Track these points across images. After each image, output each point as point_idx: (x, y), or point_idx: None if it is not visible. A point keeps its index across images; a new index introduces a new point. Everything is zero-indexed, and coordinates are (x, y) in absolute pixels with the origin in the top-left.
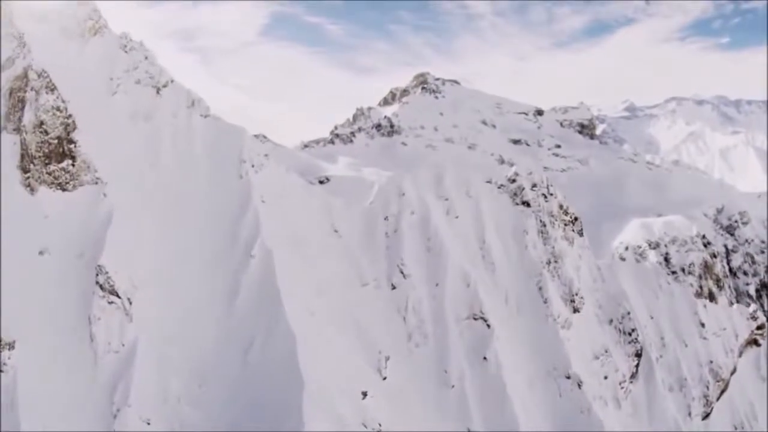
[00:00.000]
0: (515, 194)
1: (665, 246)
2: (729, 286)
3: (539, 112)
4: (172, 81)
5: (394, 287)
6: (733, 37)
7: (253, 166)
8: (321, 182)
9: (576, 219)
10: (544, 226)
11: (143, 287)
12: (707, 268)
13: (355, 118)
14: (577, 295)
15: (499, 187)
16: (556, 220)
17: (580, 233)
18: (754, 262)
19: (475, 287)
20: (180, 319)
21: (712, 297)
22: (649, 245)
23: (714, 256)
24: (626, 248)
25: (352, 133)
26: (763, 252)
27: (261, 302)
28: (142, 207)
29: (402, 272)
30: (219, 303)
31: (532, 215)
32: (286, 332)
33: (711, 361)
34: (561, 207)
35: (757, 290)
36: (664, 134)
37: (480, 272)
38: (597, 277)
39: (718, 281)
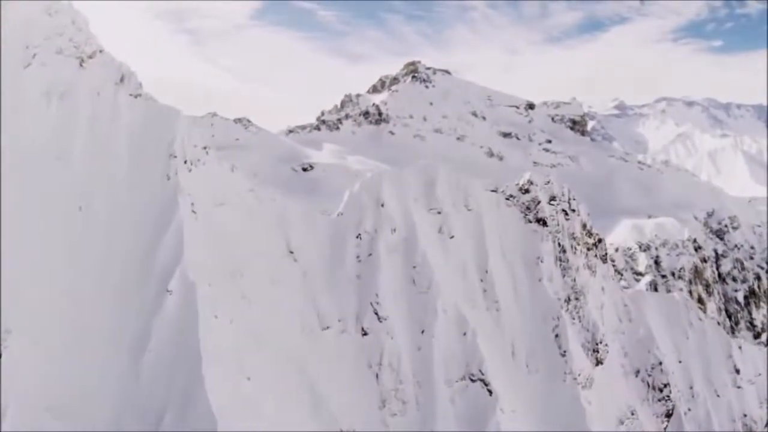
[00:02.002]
0: (528, 209)
1: (656, 249)
2: (718, 292)
3: (530, 106)
4: (101, 51)
5: (365, 333)
6: (725, 40)
7: (186, 162)
8: (304, 169)
9: (600, 241)
10: (564, 251)
11: (18, 333)
12: (697, 272)
13: (342, 104)
14: (601, 343)
15: (507, 198)
16: (579, 244)
17: (604, 258)
18: (743, 269)
19: (473, 336)
20: (67, 382)
21: (701, 302)
22: (640, 247)
23: (704, 260)
24: (616, 249)
25: (339, 120)
26: (752, 258)
27: (177, 360)
28: (37, 215)
29: (377, 313)
30: (121, 360)
31: (549, 237)
32: (206, 409)
33: (744, 415)
34: (584, 227)
35: (745, 297)
36: (653, 134)
37: (480, 315)
38: (623, 315)
39: (707, 287)
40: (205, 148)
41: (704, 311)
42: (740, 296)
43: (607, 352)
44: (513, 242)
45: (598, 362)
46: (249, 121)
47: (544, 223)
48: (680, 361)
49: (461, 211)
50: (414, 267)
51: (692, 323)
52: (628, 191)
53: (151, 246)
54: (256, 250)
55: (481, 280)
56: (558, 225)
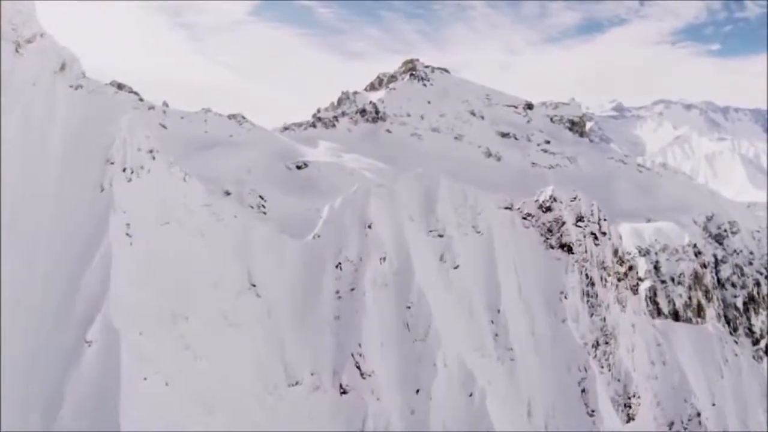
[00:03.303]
0: (550, 231)
1: (656, 254)
2: (717, 298)
3: (529, 106)
4: (41, 35)
5: (344, 391)
6: (724, 44)
7: (125, 170)
8: (298, 167)
9: (631, 268)
10: (592, 284)
11: None
12: (697, 278)
13: (339, 102)
14: (634, 396)
15: (524, 218)
16: (609, 275)
17: (635, 289)
18: (743, 274)
19: (481, 398)
20: None
21: (700, 308)
22: (639, 252)
23: (704, 266)
24: (615, 251)
25: (335, 118)
26: (751, 263)
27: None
28: None
29: (359, 367)
30: (31, 425)
31: (575, 267)
32: None
33: None
34: (616, 253)
35: (744, 303)
36: (650, 136)
37: (490, 366)
38: (656, 357)
39: (707, 292)
40: (151, 151)
41: (704, 318)
42: (739, 302)
43: (639, 404)
44: (531, 273)
45: (630, 418)
46: (243, 117)
47: (570, 250)
48: (714, 404)
49: (468, 234)
50: (408, 307)
51: (727, 359)
52: (627, 194)
53: (74, 279)
54: (208, 283)
55: (492, 322)
56: (586, 252)
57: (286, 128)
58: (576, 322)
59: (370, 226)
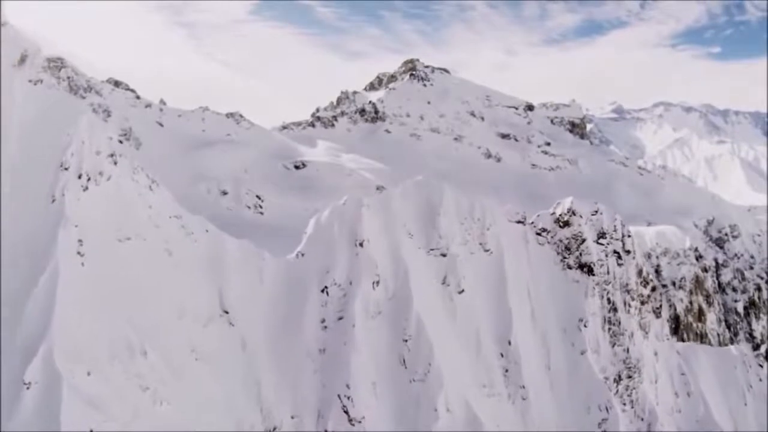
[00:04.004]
0: (567, 249)
1: (657, 258)
2: (718, 302)
3: (530, 107)
4: (3, 24)
5: None
6: (724, 47)
7: (81, 177)
8: (296, 167)
9: (654, 289)
10: (614, 310)
11: None
12: (698, 282)
13: (338, 101)
14: None
15: (539, 234)
16: (633, 298)
17: (658, 312)
18: (743, 279)
19: None
20: None
21: (701, 313)
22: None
23: (705, 270)
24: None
25: (334, 117)
26: (752, 268)
27: None
28: None
29: (347, 411)
30: None
31: (596, 291)
32: None
33: None
34: (640, 273)
35: (745, 308)
36: (650, 138)
37: (500, 408)
38: (679, 388)
39: (707, 297)
40: (112, 155)
41: (704, 322)
42: (740, 307)
43: None
44: (546, 298)
45: None
46: (241, 116)
47: (590, 271)
48: None
49: (475, 253)
50: (405, 340)
51: (751, 385)
52: (628, 197)
53: (18, 306)
54: (172, 309)
55: (502, 355)
56: (608, 273)
57: (284, 127)
58: (596, 354)
59: (361, 244)
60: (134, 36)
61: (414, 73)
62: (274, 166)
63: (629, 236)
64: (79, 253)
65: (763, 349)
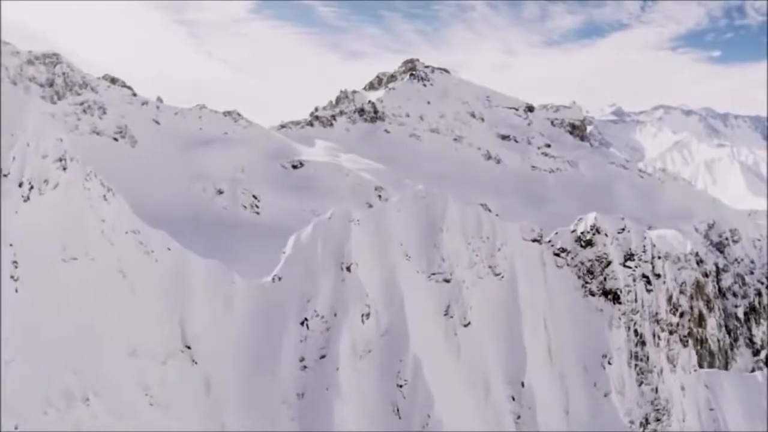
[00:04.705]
0: (590, 273)
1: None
2: (718, 307)
3: (530, 109)
4: None
5: None
6: (724, 51)
7: (22, 185)
8: (294, 167)
9: (683, 315)
10: (643, 344)
11: None
12: (699, 287)
13: (338, 100)
14: None
15: (557, 254)
16: (663, 329)
17: (685, 340)
18: (744, 284)
19: None
20: None
21: (702, 318)
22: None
23: (706, 275)
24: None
25: (333, 117)
26: (752, 272)
27: None
28: None
29: None
30: None
31: (622, 322)
32: None
33: None
34: (670, 300)
35: (745, 313)
36: (650, 141)
37: None
38: (707, 423)
39: (708, 302)
40: (61, 160)
41: (705, 327)
42: (740, 312)
43: None
44: (566, 330)
45: None
46: (239, 114)
47: (616, 299)
48: None
49: (484, 278)
50: (400, 385)
51: None
52: (628, 199)
53: None
54: (123, 344)
55: (514, 399)
56: (635, 301)
57: (282, 126)
58: (621, 395)
59: (349, 268)
60: (134, 34)
61: (414, 73)
62: (271, 166)
63: (659, 258)
64: (13, 277)
65: (763, 354)
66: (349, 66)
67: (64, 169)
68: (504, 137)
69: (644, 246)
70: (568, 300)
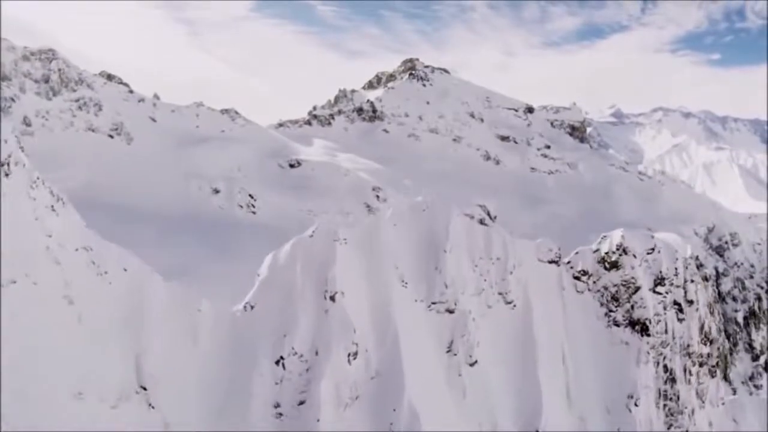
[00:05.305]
0: (615, 300)
1: None
2: (717, 312)
3: (530, 110)
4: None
5: None
6: (724, 54)
7: None
8: (291, 166)
9: (712, 342)
10: (673, 381)
11: None
12: None
13: (336, 99)
14: None
15: (577, 278)
16: (695, 363)
17: (713, 370)
18: (744, 288)
19: None
20: None
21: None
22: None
23: (706, 279)
24: None
25: (331, 116)
26: (752, 277)
27: None
28: None
29: None
30: None
31: (651, 356)
32: None
33: None
34: (702, 328)
35: (745, 318)
36: (649, 143)
37: None
38: None
39: (707, 306)
40: (3, 165)
41: None
42: (740, 317)
43: None
44: (587, 367)
45: None
46: (237, 112)
47: (644, 330)
48: None
49: (493, 306)
50: None
51: None
52: (627, 202)
53: None
54: (69, 383)
55: None
56: (666, 332)
57: (280, 125)
58: None
59: (333, 297)
60: (134, 31)
61: (413, 72)
62: (268, 165)
63: (692, 281)
64: None
65: (762, 359)
66: (349, 65)
67: (6, 175)
68: (503, 138)
69: (676, 268)
70: (589, 331)
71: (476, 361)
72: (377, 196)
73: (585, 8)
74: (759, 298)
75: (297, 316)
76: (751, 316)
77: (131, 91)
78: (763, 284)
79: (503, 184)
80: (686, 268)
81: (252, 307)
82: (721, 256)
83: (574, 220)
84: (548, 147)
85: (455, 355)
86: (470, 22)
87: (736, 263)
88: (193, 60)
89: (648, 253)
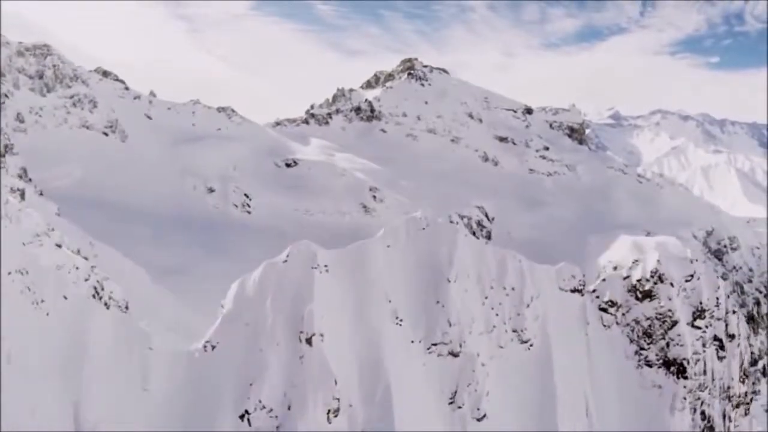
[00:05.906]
0: (648, 336)
1: None
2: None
3: (528, 111)
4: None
5: None
6: (723, 57)
7: None
8: (288, 165)
9: (748, 376)
10: (711, 429)
11: None
12: None
13: (334, 98)
14: None
15: (603, 310)
16: (734, 406)
17: (747, 408)
18: (743, 292)
19: None
20: None
21: None
22: None
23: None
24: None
25: (329, 115)
26: (750, 281)
27: None
28: None
29: None
30: None
31: (687, 402)
32: None
33: None
34: (741, 365)
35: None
36: (647, 146)
37: None
38: None
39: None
40: None
41: None
42: None
43: None
44: (613, 416)
45: None
46: (233, 110)
47: (681, 371)
48: None
49: (506, 347)
50: None
51: None
52: (626, 205)
53: None
54: None
55: None
56: (704, 374)
57: (277, 123)
58: None
59: (309, 341)
60: (133, 29)
61: (412, 72)
62: (264, 164)
63: (734, 312)
64: None
65: (760, 364)
66: (349, 64)
67: None
68: (502, 139)
69: (717, 297)
70: (616, 373)
71: (485, 415)
72: (374, 197)
73: (584, 10)
74: (758, 303)
75: (266, 360)
76: (750, 320)
77: (127, 88)
78: (762, 288)
79: (501, 186)
80: (728, 297)
81: (213, 347)
82: (720, 260)
83: (573, 222)
84: (547, 148)
85: (460, 407)
86: (470, 23)
87: (735, 267)
88: (193, 58)
89: (686, 281)
